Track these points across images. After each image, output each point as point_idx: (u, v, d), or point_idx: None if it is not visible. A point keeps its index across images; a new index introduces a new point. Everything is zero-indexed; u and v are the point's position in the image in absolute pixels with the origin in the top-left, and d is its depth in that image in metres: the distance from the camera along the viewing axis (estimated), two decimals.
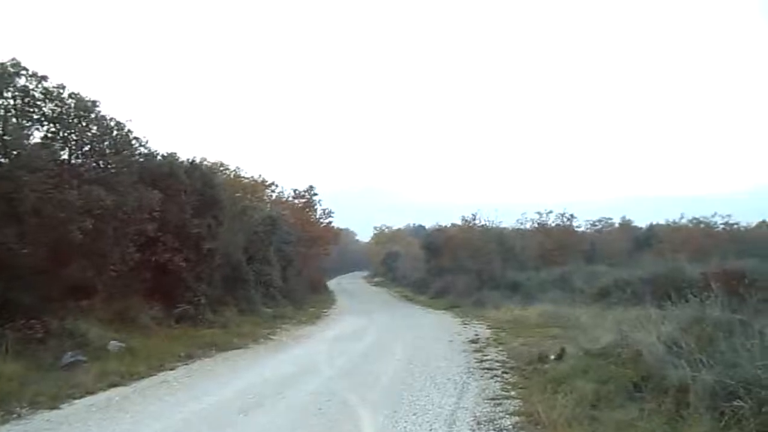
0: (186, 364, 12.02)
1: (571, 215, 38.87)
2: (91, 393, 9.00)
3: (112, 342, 11.90)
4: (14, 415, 7.63)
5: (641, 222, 49.34)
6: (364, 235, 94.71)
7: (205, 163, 22.73)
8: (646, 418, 6.71)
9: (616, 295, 18.95)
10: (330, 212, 42.41)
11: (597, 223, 47.84)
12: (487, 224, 36.24)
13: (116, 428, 7.20)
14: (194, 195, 17.11)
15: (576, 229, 40.33)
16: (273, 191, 37.43)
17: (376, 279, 69.88)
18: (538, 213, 38.99)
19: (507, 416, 7.72)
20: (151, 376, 10.64)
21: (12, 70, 11.82)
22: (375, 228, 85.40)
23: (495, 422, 7.45)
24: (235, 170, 30.77)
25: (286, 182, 47.37)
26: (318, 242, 40.84)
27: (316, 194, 40.67)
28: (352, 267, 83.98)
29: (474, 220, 37.89)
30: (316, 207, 41.20)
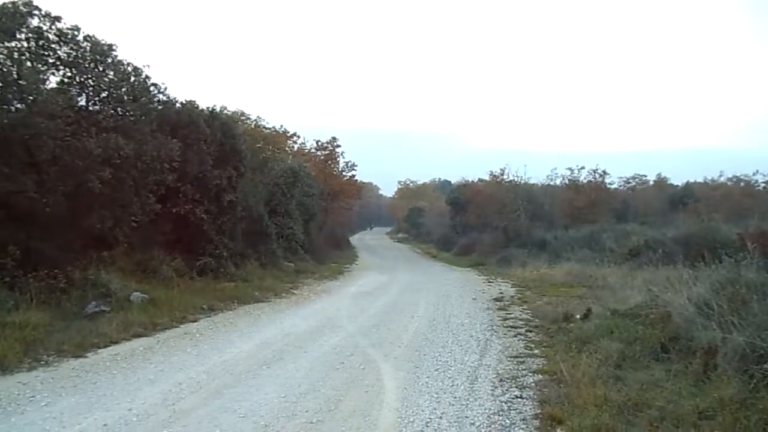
0: (208, 317, 12.37)
1: (604, 171, 38.28)
2: (115, 342, 9.34)
3: (134, 293, 12.24)
4: (42, 363, 7.97)
5: (677, 179, 48.65)
6: (388, 189, 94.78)
7: (225, 111, 22.81)
8: (672, 378, 6.78)
9: (646, 255, 18.78)
10: (353, 165, 42.47)
11: (630, 180, 47.28)
12: (516, 179, 35.92)
13: (141, 377, 7.49)
14: (214, 145, 17.17)
15: (608, 186, 39.76)
16: (295, 142, 37.61)
17: (399, 235, 70.32)
18: (569, 169, 38.49)
19: (530, 374, 7.87)
20: (174, 327, 10.99)
21: (24, 9, 11.66)
22: (399, 182, 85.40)
23: (517, 380, 7.60)
24: (255, 120, 30.88)
25: (307, 133, 47.37)
26: (340, 196, 41.03)
27: (339, 146, 40.66)
28: (375, 222, 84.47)
29: (502, 174, 37.60)
30: (338, 159, 41.27)
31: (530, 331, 11.11)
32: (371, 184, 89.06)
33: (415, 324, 12.05)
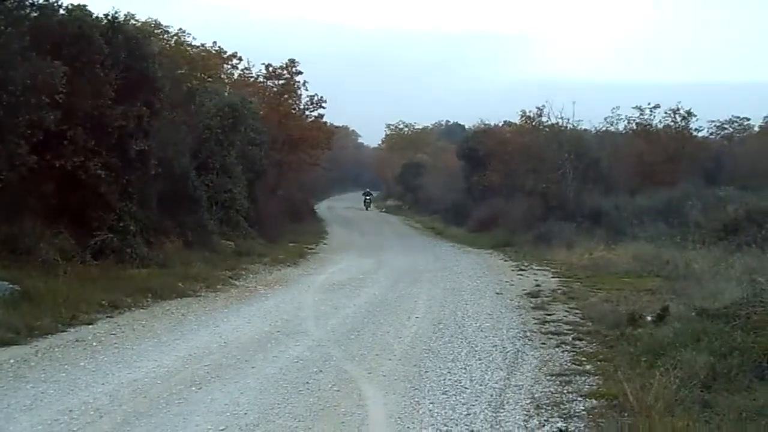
0: (109, 317, 12.40)
1: (688, 112, 38.22)
2: None
3: None
4: None
5: None
6: (373, 136, 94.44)
7: (132, 22, 22.49)
8: None
9: (749, 233, 19.00)
10: (321, 101, 42.10)
11: (726, 126, 47.20)
12: (560, 123, 35.84)
13: (12, 403, 7.47)
14: (116, 70, 16.97)
15: (694, 133, 39.79)
16: (235, 67, 37.26)
17: (388, 202, 70.44)
18: (638, 108, 38.40)
19: (579, 398, 7.97)
20: (60, 332, 10.97)
21: None
22: (388, 126, 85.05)
23: (561, 406, 7.70)
24: (177, 34, 30.48)
25: (254, 55, 46.72)
26: (302, 146, 40.83)
27: (299, 72, 40.22)
28: (352, 184, 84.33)
29: (539, 116, 37.48)
30: (299, 92, 40.92)
31: (580, 339, 11.24)
32: (347, 128, 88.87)
33: (413, 328, 12.16)
